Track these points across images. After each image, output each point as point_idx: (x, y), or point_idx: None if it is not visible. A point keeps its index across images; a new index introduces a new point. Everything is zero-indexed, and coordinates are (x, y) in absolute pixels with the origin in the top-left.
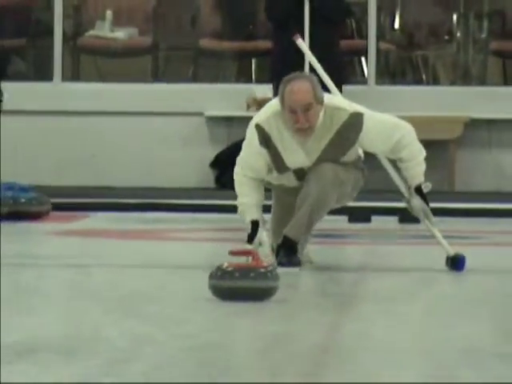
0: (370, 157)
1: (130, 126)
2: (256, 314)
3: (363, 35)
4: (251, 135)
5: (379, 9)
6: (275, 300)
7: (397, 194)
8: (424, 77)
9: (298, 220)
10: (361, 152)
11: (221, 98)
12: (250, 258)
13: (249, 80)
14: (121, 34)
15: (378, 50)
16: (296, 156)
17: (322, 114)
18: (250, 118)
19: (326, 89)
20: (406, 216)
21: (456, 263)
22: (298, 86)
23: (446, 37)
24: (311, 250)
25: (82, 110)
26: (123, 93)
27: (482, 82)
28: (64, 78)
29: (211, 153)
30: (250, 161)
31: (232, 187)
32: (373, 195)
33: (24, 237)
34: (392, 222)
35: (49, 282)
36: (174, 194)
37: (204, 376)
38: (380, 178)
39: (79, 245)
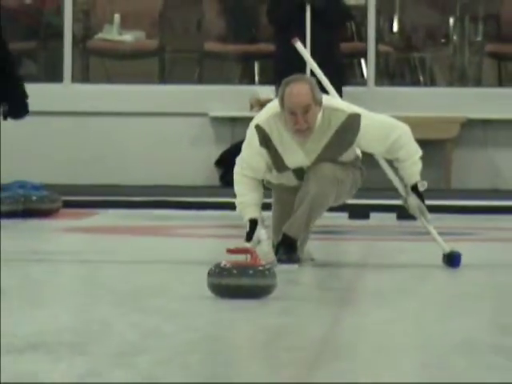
0: (369, 156)
1: (137, 125)
2: (258, 308)
3: (363, 38)
4: (251, 136)
5: (378, 12)
6: (276, 294)
7: (395, 192)
8: (422, 78)
9: (297, 218)
10: (359, 152)
11: (225, 99)
12: (249, 256)
13: (252, 81)
14: (128, 37)
15: (377, 53)
16: (295, 156)
17: (320, 115)
18: (253, 119)
19: (324, 90)
20: (403, 213)
21: (452, 260)
22: (297, 89)
23: (443, 39)
24: (312, 246)
25: (92, 111)
26: (131, 94)
27: (478, 83)
28: (74, 80)
29: (216, 152)
30: (250, 161)
31: None
32: (371, 193)
33: (35, 233)
34: (390, 218)
35: (60, 276)
36: (180, 191)
37: (208, 367)
38: (378, 176)
39: (89, 241)
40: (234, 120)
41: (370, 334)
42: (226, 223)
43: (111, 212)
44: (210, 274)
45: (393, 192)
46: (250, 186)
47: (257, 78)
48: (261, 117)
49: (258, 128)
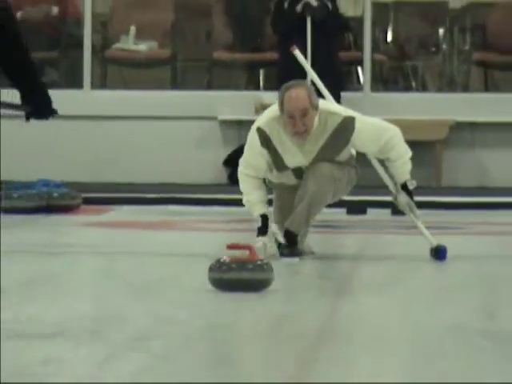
0: (364, 156)
1: (151, 128)
2: (261, 298)
3: (359, 47)
4: (253, 137)
5: (374, 24)
6: (279, 285)
7: (388, 190)
8: (414, 84)
9: (298, 214)
10: (353, 152)
11: (232, 103)
12: (246, 251)
13: (257, 87)
14: (143, 46)
15: (373, 61)
16: (294, 156)
17: (317, 118)
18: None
19: (320, 95)
20: (397, 209)
21: (438, 253)
22: (296, 94)
23: (434, 49)
24: (312, 239)
25: (109, 115)
26: (145, 99)
27: (466, 89)
28: (93, 86)
29: (223, 152)
30: (252, 161)
31: None
32: (368, 190)
33: (57, 228)
34: (385, 214)
35: (79, 268)
36: (190, 189)
37: (216, 352)
38: (374, 175)
39: (106, 235)
40: (240, 123)
41: (366, 321)
42: (232, 218)
43: (126, 208)
44: (211, 269)
45: (387, 189)
46: (254, 185)
47: (262, 84)
48: (261, 120)
49: (259, 130)
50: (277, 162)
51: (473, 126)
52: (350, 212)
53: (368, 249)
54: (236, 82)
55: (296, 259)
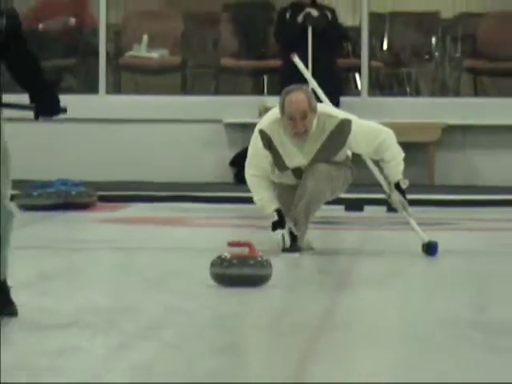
0: (360, 157)
1: (162, 131)
2: (264, 290)
3: (357, 55)
4: (255, 139)
5: (371, 33)
6: (281, 279)
7: (383, 189)
8: (408, 89)
9: (298, 212)
10: (349, 153)
11: (237, 107)
12: (246, 248)
13: (261, 92)
14: (155, 54)
15: (370, 68)
16: (294, 157)
17: (315, 120)
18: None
19: (319, 99)
20: (391, 207)
21: (429, 249)
22: (296, 97)
23: (427, 56)
24: (312, 235)
25: (123, 118)
26: (157, 104)
27: (457, 94)
28: (108, 92)
29: (229, 153)
30: (256, 161)
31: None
32: (365, 188)
33: (74, 224)
34: (381, 211)
35: (96, 262)
36: (198, 187)
37: (223, 339)
38: (371, 174)
39: (121, 230)
40: (245, 126)
41: (364, 312)
42: (239, 215)
43: (140, 205)
44: (212, 265)
45: (382, 188)
46: (261, 184)
47: (265, 90)
48: (263, 122)
49: (262, 132)
50: (278, 162)
51: (463, 128)
52: (347, 209)
53: (365, 244)
54: (241, 87)
55: (296, 254)
